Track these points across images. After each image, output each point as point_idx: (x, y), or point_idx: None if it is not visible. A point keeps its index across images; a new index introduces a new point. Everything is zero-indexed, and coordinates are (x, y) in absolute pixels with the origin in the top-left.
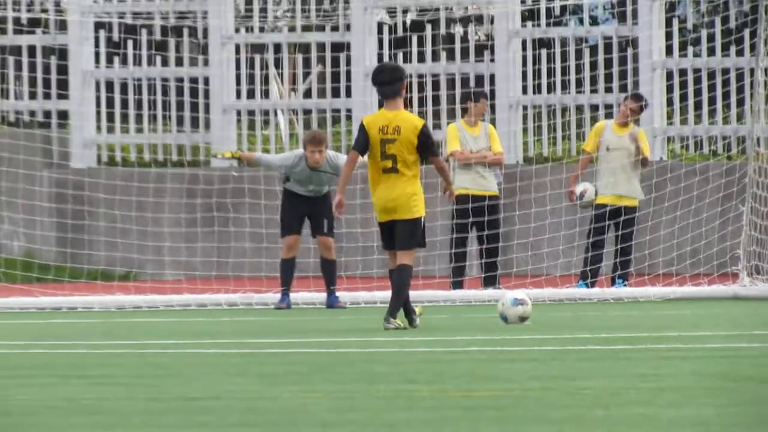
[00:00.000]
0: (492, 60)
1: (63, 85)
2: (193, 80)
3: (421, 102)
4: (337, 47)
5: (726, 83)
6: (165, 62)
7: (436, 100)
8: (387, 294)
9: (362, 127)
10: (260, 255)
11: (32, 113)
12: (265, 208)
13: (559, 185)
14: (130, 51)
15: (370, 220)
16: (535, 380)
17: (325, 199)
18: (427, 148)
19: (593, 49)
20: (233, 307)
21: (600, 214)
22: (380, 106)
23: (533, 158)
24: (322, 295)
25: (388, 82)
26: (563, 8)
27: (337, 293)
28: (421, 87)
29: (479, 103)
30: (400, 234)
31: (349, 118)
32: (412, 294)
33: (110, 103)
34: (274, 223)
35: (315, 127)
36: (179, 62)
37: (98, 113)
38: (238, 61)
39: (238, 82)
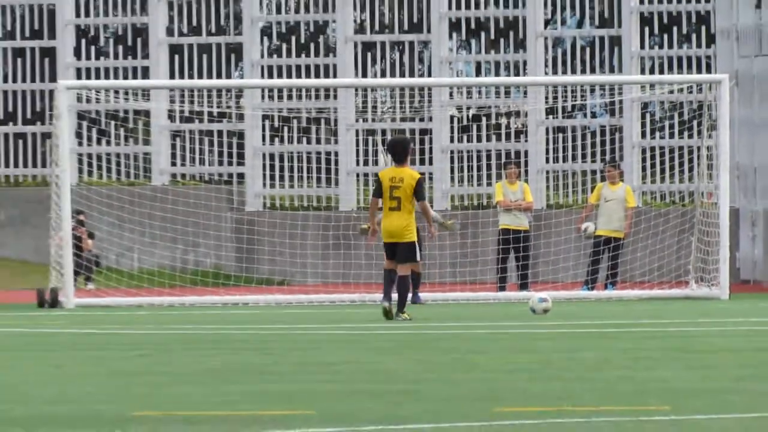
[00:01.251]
0: (526, 140)
1: (241, 156)
2: (328, 153)
3: (479, 168)
4: (423, 132)
5: (681, 156)
6: (309, 141)
7: (488, 167)
8: (459, 295)
9: (378, 180)
10: (371, 268)
11: (220, 175)
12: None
13: (569, 223)
14: (285, 134)
15: (444, 245)
16: (554, 352)
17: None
18: (418, 193)
19: (593, 134)
20: (354, 303)
21: (598, 241)
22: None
23: (553, 205)
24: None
25: (400, 152)
26: (573, 106)
27: (420, 294)
28: (479, 158)
29: (508, 168)
30: (400, 253)
31: (431, 179)
32: (460, 296)
33: (272, 167)
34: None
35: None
36: (318, 141)
37: (264, 174)
38: (357, 141)
39: (357, 155)
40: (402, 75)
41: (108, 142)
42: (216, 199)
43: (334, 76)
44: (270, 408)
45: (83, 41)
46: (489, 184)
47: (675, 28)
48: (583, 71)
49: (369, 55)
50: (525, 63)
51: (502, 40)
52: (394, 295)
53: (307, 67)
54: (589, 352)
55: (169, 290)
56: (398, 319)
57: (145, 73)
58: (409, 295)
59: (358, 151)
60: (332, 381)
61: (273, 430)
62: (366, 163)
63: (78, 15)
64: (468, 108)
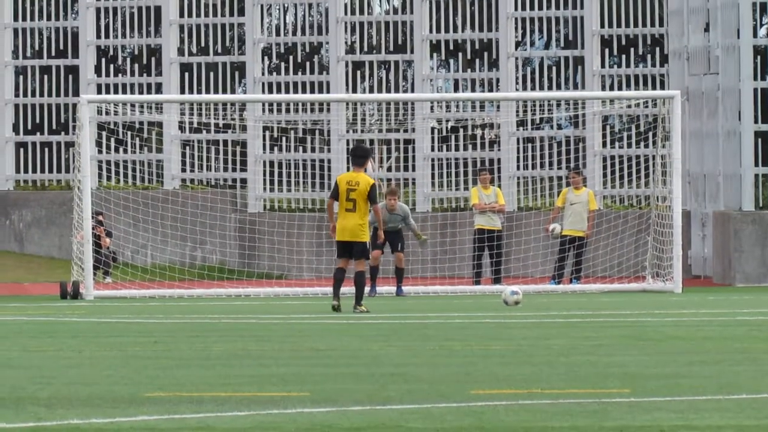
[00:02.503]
0: (499, 149)
1: (243, 163)
2: (321, 161)
3: (457, 174)
4: (407, 141)
5: (638, 163)
6: (304, 150)
7: (465, 174)
8: (438, 288)
9: (336, 183)
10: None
11: (225, 180)
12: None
13: (538, 224)
14: (284, 143)
15: (425, 243)
16: (524, 339)
17: (398, 231)
18: (372, 197)
19: (559, 144)
20: (344, 294)
21: (564, 240)
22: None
23: (524, 208)
24: (394, 288)
25: (361, 157)
26: (541, 119)
27: (403, 287)
28: (457, 165)
29: (483, 174)
30: (357, 251)
31: (413, 184)
32: (440, 288)
33: (271, 174)
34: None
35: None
36: (313, 150)
37: (264, 180)
38: (348, 150)
39: (348, 162)
40: (388, 91)
41: (125, 150)
42: (221, 201)
43: (327, 91)
44: (268, 390)
45: (103, 60)
46: (466, 189)
47: (632, 50)
48: (550, 87)
49: (358, 73)
50: (498, 80)
51: (477, 60)
52: (351, 289)
53: (303, 84)
54: (557, 340)
55: (178, 283)
56: (356, 312)
57: (159, 88)
58: (367, 288)
59: (348, 159)
60: (324, 365)
61: (271, 409)
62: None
63: (99, 36)
64: (447, 120)
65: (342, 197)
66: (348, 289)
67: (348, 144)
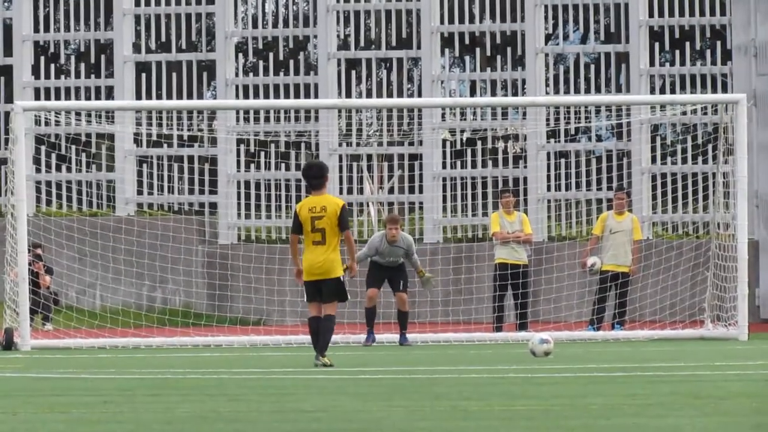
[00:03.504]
0: (525, 166)
1: (213, 183)
2: None
3: (474, 197)
4: (413, 157)
5: (695, 183)
6: (287, 167)
7: (484, 196)
8: (451, 335)
9: (295, 213)
10: (356, 306)
11: (191, 204)
12: (360, 273)
13: (573, 257)
14: (262, 159)
15: (435, 282)
16: (556, 398)
17: (400, 267)
18: (342, 222)
19: (599, 159)
20: (335, 344)
21: (604, 277)
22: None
23: (555, 237)
24: (397, 336)
25: (316, 176)
26: (576, 129)
27: (408, 335)
28: (473, 186)
29: (505, 197)
30: (327, 290)
31: (421, 208)
32: (454, 336)
33: (247, 196)
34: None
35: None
36: (298, 168)
37: (239, 204)
38: (341, 167)
39: (341, 182)
40: (390, 95)
41: (68, 169)
42: (186, 230)
43: (316, 96)
44: None
45: (42, 58)
46: (485, 215)
47: (687, 44)
48: (588, 90)
49: (353, 73)
50: (524, 81)
51: (498, 57)
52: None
53: (286, 87)
54: (595, 398)
55: (134, 331)
56: (317, 363)
57: (110, 93)
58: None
59: (341, 178)
60: (312, 431)
61: None
62: (350, 191)
63: (37, 30)
64: (461, 131)
65: (306, 228)
66: (340, 337)
67: (341, 160)
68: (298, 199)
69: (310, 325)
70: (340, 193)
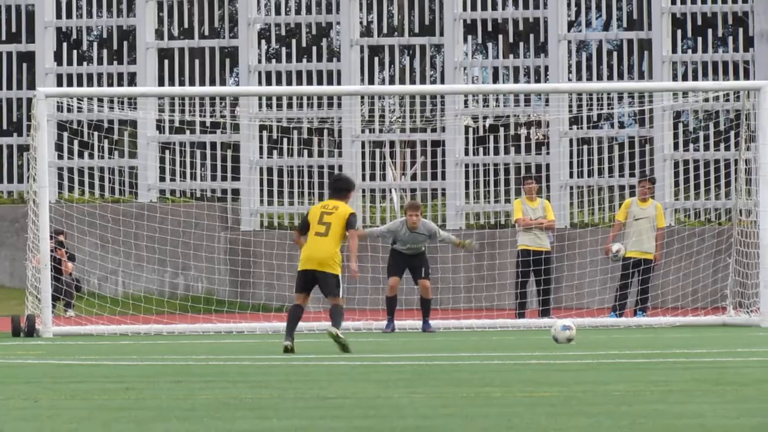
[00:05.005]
0: (548, 153)
1: (236, 170)
2: (331, 167)
3: (496, 183)
4: (435, 143)
5: (717, 170)
6: (310, 154)
7: (507, 183)
8: (474, 322)
9: (305, 215)
10: (378, 293)
11: (213, 191)
12: (382, 259)
13: (596, 243)
14: (285, 146)
15: (458, 268)
16: (578, 384)
17: (422, 254)
18: (351, 223)
19: (621, 145)
20: (357, 330)
21: (627, 264)
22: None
23: (577, 224)
24: (420, 323)
25: (341, 189)
26: (599, 116)
27: (431, 321)
28: (496, 172)
29: (528, 184)
30: (329, 285)
31: (443, 195)
32: (476, 323)
33: (270, 183)
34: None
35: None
36: (320, 154)
37: (261, 191)
38: (363, 154)
39: (363, 168)
40: (412, 82)
41: (91, 156)
42: (208, 217)
43: (338, 82)
44: None
45: (64, 45)
46: (507, 201)
47: (710, 31)
48: (610, 77)
49: (376, 60)
50: (546, 68)
51: (521, 44)
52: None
53: (309, 73)
54: (617, 385)
55: (156, 317)
56: (331, 331)
57: (132, 79)
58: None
59: (364, 164)
60: (334, 417)
61: None
62: (373, 177)
63: (59, 16)
64: (484, 117)
65: (314, 222)
66: (362, 323)
67: (363, 147)
68: (321, 185)
69: (291, 311)
70: (363, 179)
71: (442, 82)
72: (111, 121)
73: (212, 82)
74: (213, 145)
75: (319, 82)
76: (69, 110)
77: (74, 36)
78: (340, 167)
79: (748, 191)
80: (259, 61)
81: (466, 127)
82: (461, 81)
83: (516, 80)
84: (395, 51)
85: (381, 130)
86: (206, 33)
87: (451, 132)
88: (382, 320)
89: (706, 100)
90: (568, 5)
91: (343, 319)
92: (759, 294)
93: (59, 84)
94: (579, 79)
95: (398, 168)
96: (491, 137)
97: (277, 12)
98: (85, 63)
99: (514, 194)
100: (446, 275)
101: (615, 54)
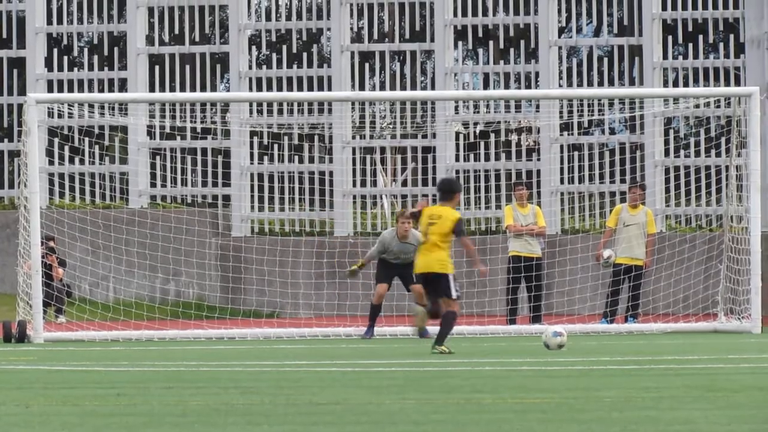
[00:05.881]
0: (539, 159)
1: (226, 176)
2: (322, 173)
3: (487, 189)
4: (426, 149)
5: (708, 176)
6: (301, 160)
7: (498, 189)
8: (464, 328)
9: (420, 212)
10: (369, 299)
11: (204, 197)
12: (372, 265)
13: (586, 250)
14: (275, 152)
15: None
16: (570, 391)
17: (411, 263)
18: (458, 230)
19: (612, 152)
20: (349, 336)
21: (618, 270)
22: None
23: (568, 230)
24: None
25: (444, 191)
26: (590, 122)
27: (428, 327)
28: (487, 179)
29: (518, 190)
30: (440, 287)
31: (434, 201)
32: (467, 329)
33: (261, 189)
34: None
35: (409, 207)
36: (311, 160)
37: (252, 196)
38: (354, 160)
39: (354, 175)
40: (403, 87)
41: (81, 161)
42: (199, 223)
43: (329, 88)
44: None
45: (55, 51)
46: (498, 207)
47: (701, 37)
48: (601, 83)
49: (367, 65)
50: (537, 74)
51: (512, 50)
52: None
53: (300, 79)
54: (608, 391)
55: (147, 323)
56: (434, 352)
57: (123, 85)
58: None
59: (354, 170)
60: (326, 423)
61: None
62: (363, 184)
63: (50, 22)
64: (475, 124)
65: (422, 229)
66: (349, 329)
67: (354, 153)
68: (311, 191)
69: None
70: (354, 185)
71: (433, 88)
72: (102, 127)
73: (203, 88)
74: (204, 151)
75: (310, 88)
76: (60, 116)
77: (65, 42)
78: (331, 173)
79: (739, 197)
80: (250, 67)
81: (457, 134)
82: (452, 87)
83: (506, 86)
84: (386, 57)
85: (372, 136)
86: (197, 39)
87: (442, 138)
88: (381, 326)
89: (697, 106)
90: (559, 11)
91: (453, 327)
92: (750, 300)
93: (50, 90)
94: (570, 85)
95: (389, 174)
96: (482, 143)
97: (268, 18)
98: (75, 69)
99: (504, 200)
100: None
101: (606, 60)
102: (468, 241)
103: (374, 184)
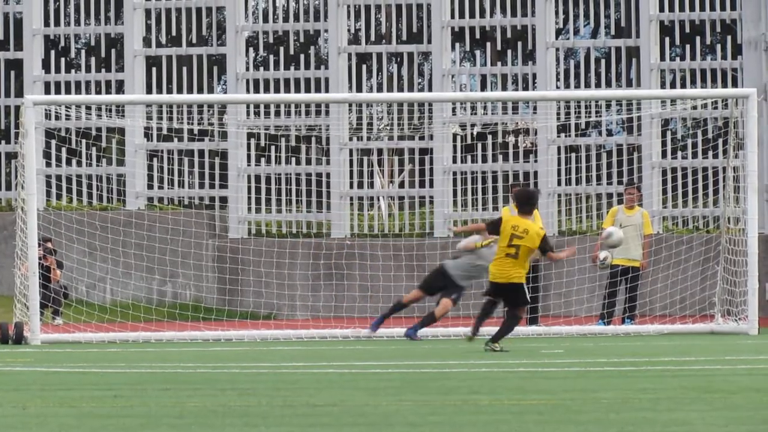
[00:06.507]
0: (536, 161)
1: (224, 177)
2: (319, 175)
3: (484, 191)
4: (423, 151)
5: (705, 177)
6: (298, 162)
7: (495, 190)
8: (461, 330)
9: (501, 218)
10: (366, 301)
11: (201, 198)
12: (370, 267)
13: (583, 251)
14: (273, 153)
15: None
16: (567, 392)
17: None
18: (546, 246)
19: (609, 153)
20: (346, 338)
21: (614, 272)
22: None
23: (565, 231)
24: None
25: (525, 204)
26: (587, 123)
27: (419, 332)
28: (484, 180)
29: (514, 191)
30: (518, 297)
31: (431, 202)
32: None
33: (258, 190)
34: (377, 278)
35: (406, 210)
36: (308, 162)
37: (249, 198)
38: (351, 161)
39: (351, 176)
40: (400, 89)
41: (79, 163)
42: (196, 225)
43: (326, 90)
44: None
45: (52, 53)
46: (495, 209)
47: (698, 38)
48: (598, 85)
49: (364, 67)
50: (534, 76)
51: (509, 51)
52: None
53: (297, 81)
54: (606, 393)
55: (144, 325)
56: (486, 349)
57: (120, 87)
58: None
59: (352, 172)
60: (322, 425)
61: None
62: (360, 185)
63: (47, 24)
64: (472, 125)
65: (503, 240)
66: (351, 332)
67: (351, 154)
68: (308, 193)
69: (483, 306)
70: (350, 187)
71: (430, 89)
72: (99, 129)
73: (200, 90)
74: (201, 152)
75: (307, 90)
76: (57, 118)
77: (62, 44)
78: (328, 175)
79: (736, 199)
80: (247, 69)
81: (454, 135)
82: (449, 88)
83: (504, 88)
84: (383, 58)
85: (369, 138)
86: (194, 41)
87: (439, 140)
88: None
89: (695, 107)
90: (556, 13)
91: (513, 329)
92: (747, 302)
93: (47, 92)
94: (567, 86)
95: (386, 176)
96: (479, 145)
97: (265, 20)
98: (73, 70)
99: (502, 202)
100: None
101: (603, 62)
102: (555, 256)
103: (371, 185)
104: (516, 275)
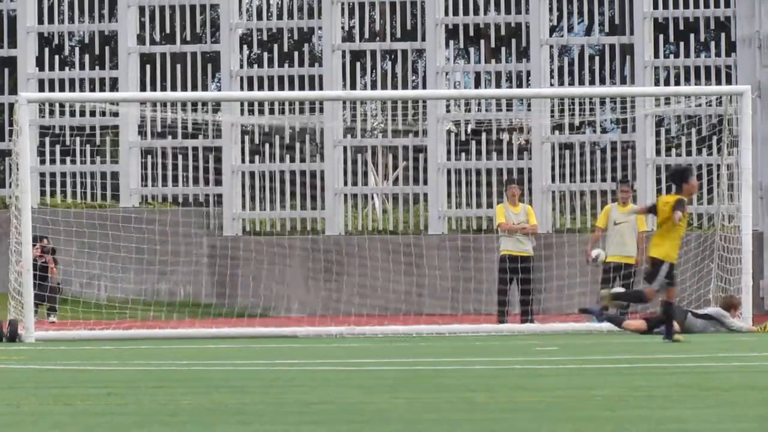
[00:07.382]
0: (530, 158)
1: (218, 173)
2: (313, 172)
3: (478, 188)
4: (417, 148)
5: (699, 175)
6: (292, 159)
7: (489, 187)
8: (456, 327)
9: (654, 204)
10: (360, 298)
11: (195, 196)
12: (365, 264)
13: (578, 249)
14: (267, 150)
15: (441, 273)
16: (562, 389)
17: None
18: (675, 208)
19: (603, 150)
20: (340, 336)
21: (608, 268)
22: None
23: (560, 228)
24: (394, 328)
25: (677, 180)
26: (581, 121)
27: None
28: (478, 177)
29: (510, 188)
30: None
31: (425, 200)
32: (459, 328)
33: (252, 188)
34: (374, 276)
35: (400, 207)
36: (302, 159)
37: (243, 195)
38: (345, 159)
39: (345, 174)
40: (394, 87)
41: (73, 161)
42: (191, 222)
43: (320, 88)
44: None
45: (46, 50)
46: (489, 206)
47: (692, 36)
48: (592, 82)
49: (358, 65)
50: (528, 73)
51: (503, 49)
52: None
53: (291, 78)
54: (600, 390)
55: (138, 323)
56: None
57: (114, 84)
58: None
59: (346, 169)
60: (317, 423)
61: None
62: (355, 182)
63: (41, 22)
64: (466, 122)
65: (659, 217)
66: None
67: (345, 152)
68: (303, 191)
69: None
70: (345, 183)
71: (424, 87)
72: (93, 126)
73: (194, 87)
74: (195, 150)
75: (301, 88)
76: (51, 115)
77: (56, 41)
78: (322, 172)
79: (731, 196)
80: (241, 66)
81: (448, 132)
82: (443, 86)
83: (498, 85)
84: (377, 56)
85: (363, 136)
86: (188, 38)
87: (433, 137)
88: (363, 326)
89: (689, 105)
90: (550, 10)
91: (627, 301)
92: (741, 299)
93: (41, 89)
94: (561, 84)
95: (380, 173)
96: (473, 142)
97: (259, 17)
98: (67, 68)
99: (496, 199)
100: (429, 281)
101: (597, 59)
102: (674, 216)
103: (366, 182)
104: (654, 250)
